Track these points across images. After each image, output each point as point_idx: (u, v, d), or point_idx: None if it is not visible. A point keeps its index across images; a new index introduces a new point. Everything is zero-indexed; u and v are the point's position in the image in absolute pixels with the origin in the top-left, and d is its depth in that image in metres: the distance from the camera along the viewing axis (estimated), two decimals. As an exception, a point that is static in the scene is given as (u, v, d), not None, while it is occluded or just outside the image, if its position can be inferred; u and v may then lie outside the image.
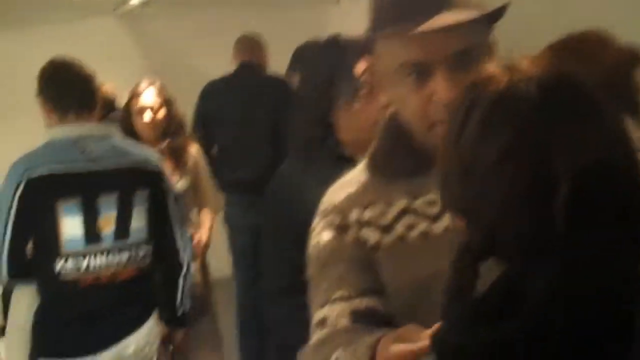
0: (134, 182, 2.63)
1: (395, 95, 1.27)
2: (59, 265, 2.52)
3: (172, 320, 2.82)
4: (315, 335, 1.30)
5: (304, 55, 4.01)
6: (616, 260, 0.84)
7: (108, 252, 2.58)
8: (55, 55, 2.72)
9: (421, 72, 1.19)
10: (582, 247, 0.83)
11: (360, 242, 1.27)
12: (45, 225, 2.52)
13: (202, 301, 3.43)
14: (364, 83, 1.90)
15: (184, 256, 2.78)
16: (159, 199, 2.70)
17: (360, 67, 1.91)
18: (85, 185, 2.57)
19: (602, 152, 0.85)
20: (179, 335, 2.88)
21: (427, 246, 1.21)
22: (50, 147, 2.59)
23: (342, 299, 1.26)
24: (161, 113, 3.46)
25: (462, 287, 0.91)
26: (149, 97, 3.46)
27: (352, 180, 1.36)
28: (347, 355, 1.13)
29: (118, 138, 2.72)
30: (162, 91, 3.50)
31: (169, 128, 3.46)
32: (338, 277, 1.29)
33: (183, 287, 2.79)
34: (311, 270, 1.35)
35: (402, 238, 1.24)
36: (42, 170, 2.51)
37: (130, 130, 3.38)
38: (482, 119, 0.88)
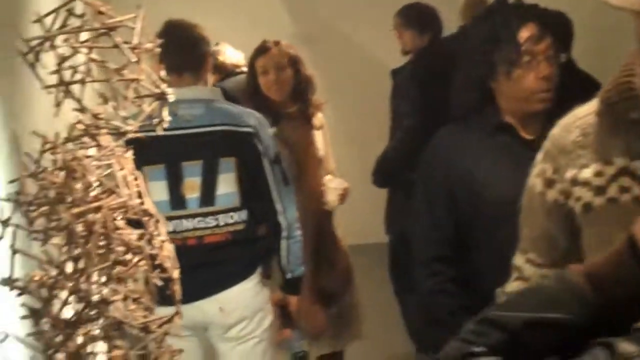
0: (220, 148, 2.65)
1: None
2: None
3: (282, 284, 2.86)
4: (511, 282, 1.41)
5: (427, 16, 3.98)
6: None
7: (194, 217, 2.64)
8: (170, 17, 2.74)
9: None
10: None
11: (561, 203, 1.29)
12: None
13: (346, 276, 3.36)
14: (526, 51, 1.86)
15: (285, 218, 2.75)
16: (253, 162, 2.69)
17: (524, 34, 1.87)
18: (170, 151, 2.61)
19: None
20: (292, 301, 2.92)
21: (638, 212, 1.17)
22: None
23: (532, 262, 1.36)
24: (287, 73, 3.24)
25: None
26: (273, 55, 3.24)
27: (582, 122, 1.32)
28: None
29: (218, 101, 2.73)
30: (288, 50, 3.28)
31: (297, 89, 3.25)
32: (533, 237, 1.35)
33: (288, 249, 2.77)
34: (523, 204, 1.37)
35: (613, 201, 1.24)
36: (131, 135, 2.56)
37: (256, 91, 3.25)
38: None
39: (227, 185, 2.67)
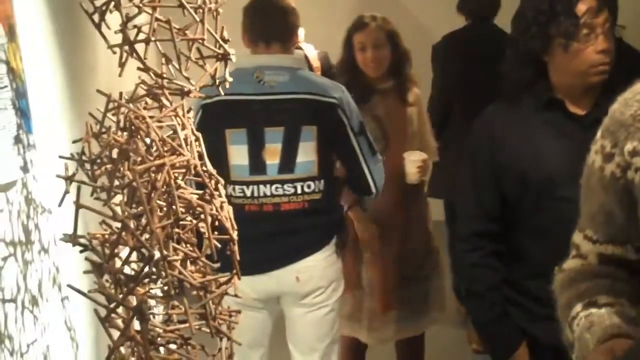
0: (303, 116, 2.62)
1: None
2: (230, 188, 2.60)
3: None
4: (569, 260, 1.39)
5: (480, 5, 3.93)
6: None
7: (272, 183, 2.64)
8: None
9: None
10: None
11: (618, 176, 1.26)
12: (218, 150, 2.61)
13: (426, 257, 3.27)
14: (584, 24, 1.82)
15: (377, 188, 2.74)
16: (336, 133, 2.66)
17: (582, 7, 1.83)
18: (253, 116, 2.61)
19: None
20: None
21: None
22: (231, 76, 2.65)
23: (590, 239, 1.34)
24: (385, 49, 3.12)
25: None
26: (371, 31, 3.13)
27: None
28: (582, 326, 1.23)
29: (303, 70, 2.72)
30: (386, 25, 3.16)
31: (394, 64, 3.15)
32: (591, 214, 1.33)
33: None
34: (582, 181, 1.37)
35: None
36: (217, 97, 2.57)
37: (351, 67, 3.16)
38: None
39: (306, 154, 2.65)
